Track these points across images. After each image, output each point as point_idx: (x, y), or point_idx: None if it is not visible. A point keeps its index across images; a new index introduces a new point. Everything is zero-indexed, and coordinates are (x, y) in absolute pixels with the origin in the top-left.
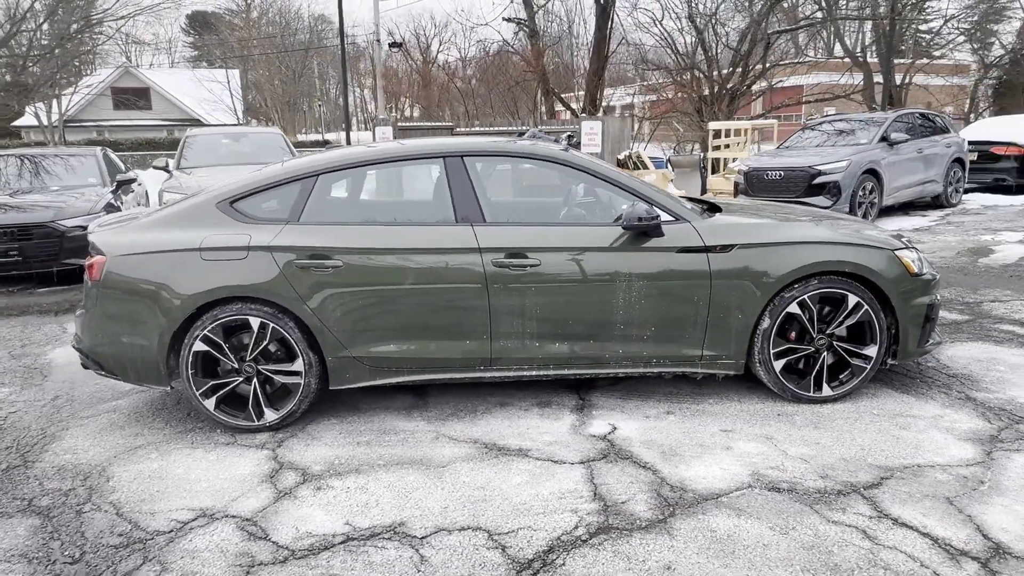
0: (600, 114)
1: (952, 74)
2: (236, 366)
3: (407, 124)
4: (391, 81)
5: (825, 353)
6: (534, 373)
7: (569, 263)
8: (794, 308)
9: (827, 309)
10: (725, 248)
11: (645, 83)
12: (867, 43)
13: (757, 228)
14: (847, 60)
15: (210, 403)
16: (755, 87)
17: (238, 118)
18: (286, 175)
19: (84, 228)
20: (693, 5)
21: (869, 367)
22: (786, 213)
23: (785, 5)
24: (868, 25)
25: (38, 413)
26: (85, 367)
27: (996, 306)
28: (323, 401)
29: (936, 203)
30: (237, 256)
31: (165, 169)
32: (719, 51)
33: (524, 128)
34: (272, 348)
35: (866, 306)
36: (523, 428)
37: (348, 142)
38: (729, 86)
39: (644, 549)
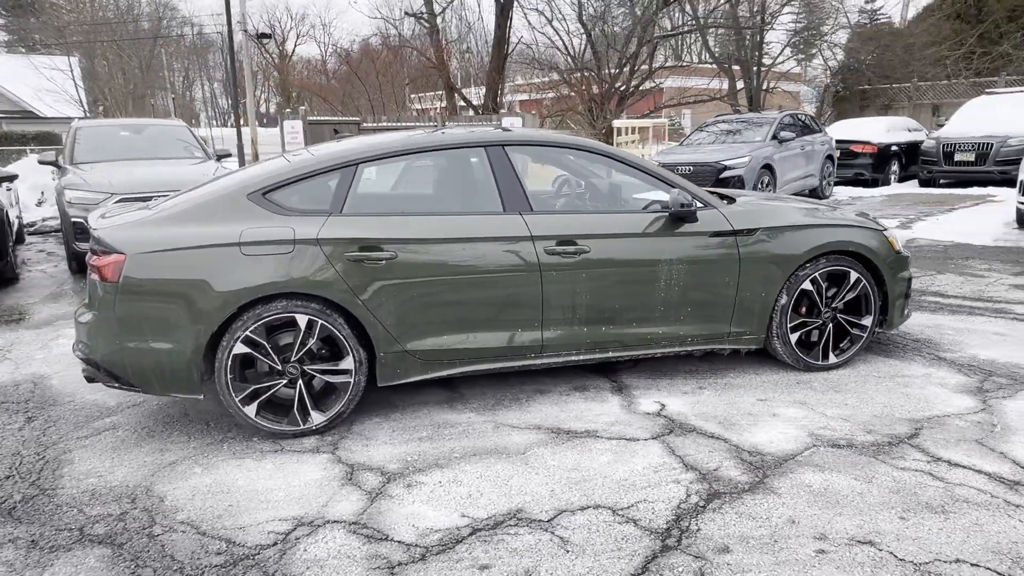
0: (505, 111)
1: (798, 81)
2: (280, 368)
3: (316, 119)
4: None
5: (830, 325)
6: (581, 358)
7: (615, 249)
8: (807, 285)
9: (830, 285)
10: (750, 232)
11: (543, 80)
12: (731, 50)
13: (775, 213)
14: (717, 66)
15: (250, 409)
16: (642, 88)
17: (85, 111)
18: (323, 164)
19: None
20: (583, 7)
21: (865, 336)
22: (782, 200)
23: (667, 14)
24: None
25: (19, 437)
26: (91, 380)
27: (912, 282)
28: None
29: (813, 195)
30: (283, 250)
31: (55, 164)
32: (608, 52)
33: (434, 124)
34: (316, 347)
35: (864, 281)
36: (576, 412)
37: (239, 140)
38: (619, 86)
39: (761, 508)
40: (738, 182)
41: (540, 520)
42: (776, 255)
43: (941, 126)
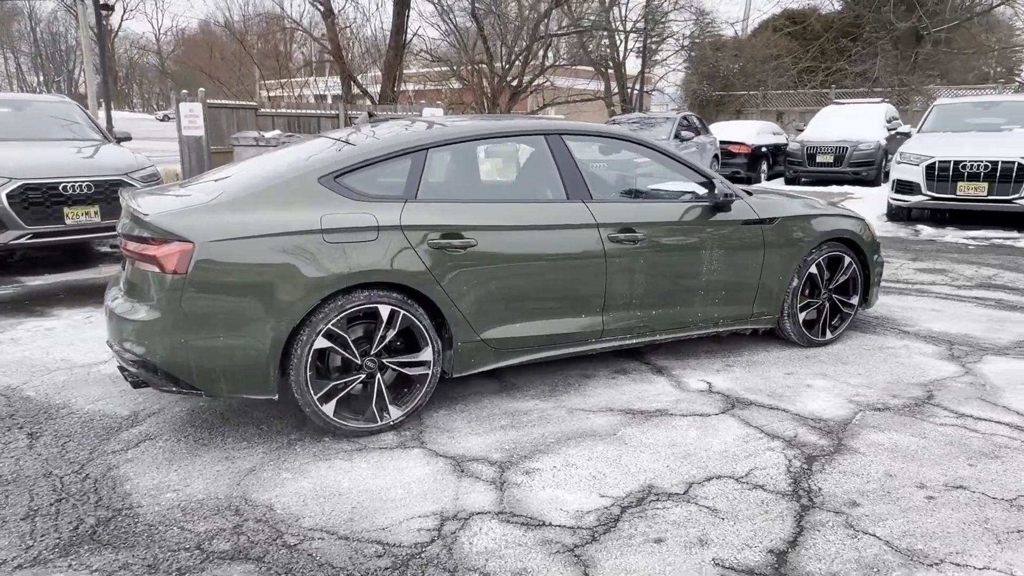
0: (424, 103)
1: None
2: (359, 362)
3: (216, 103)
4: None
5: (827, 305)
6: (633, 341)
7: (666, 236)
8: (813, 269)
9: (828, 269)
10: (772, 220)
11: (438, 70)
12: (606, 52)
13: (789, 204)
14: (594, 68)
15: (329, 408)
16: (533, 84)
17: None
18: (394, 148)
19: None
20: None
21: (853, 314)
22: (782, 194)
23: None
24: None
25: (36, 457)
26: (137, 385)
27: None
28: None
29: None
30: (367, 237)
31: None
32: (499, 47)
33: (355, 112)
34: (394, 338)
35: (854, 265)
36: (634, 393)
37: (109, 122)
38: (511, 80)
39: (857, 465)
40: None
41: (677, 493)
42: (792, 242)
43: (801, 131)
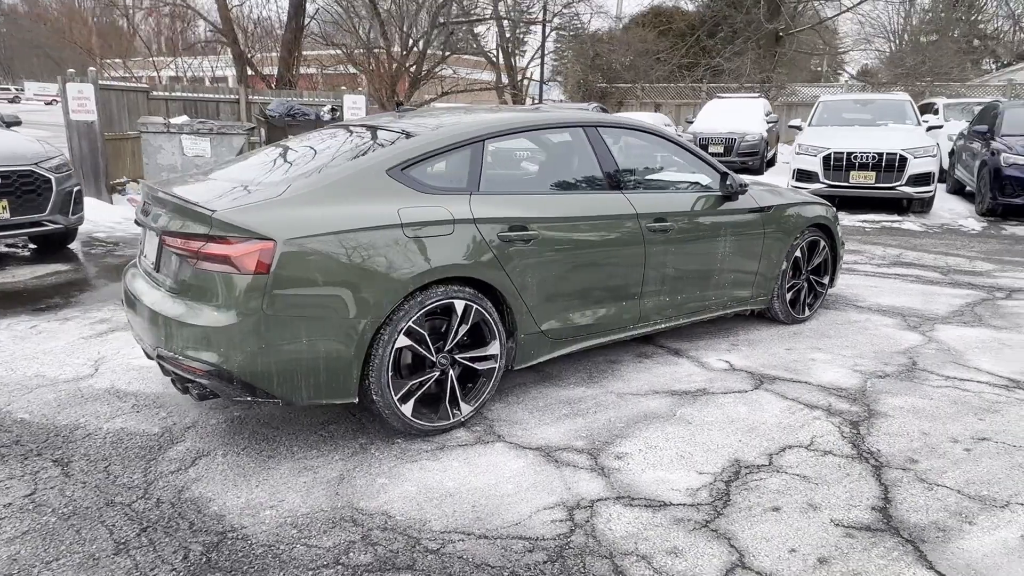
0: (347, 90)
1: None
2: (433, 359)
3: (108, 84)
4: None
5: (805, 285)
6: (662, 326)
7: (691, 225)
8: (798, 253)
9: (807, 252)
10: (769, 209)
11: (331, 52)
12: (499, 43)
13: (779, 193)
14: (485, 58)
15: (407, 408)
16: (434, 72)
17: None
18: (455, 139)
19: None
20: None
21: (824, 293)
22: (762, 185)
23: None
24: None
25: (84, 485)
26: (205, 397)
27: None
28: None
29: None
30: (444, 231)
31: None
32: (397, 32)
33: (257, 97)
34: (464, 333)
35: (827, 248)
36: (668, 376)
37: None
38: (409, 66)
39: (894, 427)
40: None
41: (763, 465)
42: (785, 228)
43: (691, 123)
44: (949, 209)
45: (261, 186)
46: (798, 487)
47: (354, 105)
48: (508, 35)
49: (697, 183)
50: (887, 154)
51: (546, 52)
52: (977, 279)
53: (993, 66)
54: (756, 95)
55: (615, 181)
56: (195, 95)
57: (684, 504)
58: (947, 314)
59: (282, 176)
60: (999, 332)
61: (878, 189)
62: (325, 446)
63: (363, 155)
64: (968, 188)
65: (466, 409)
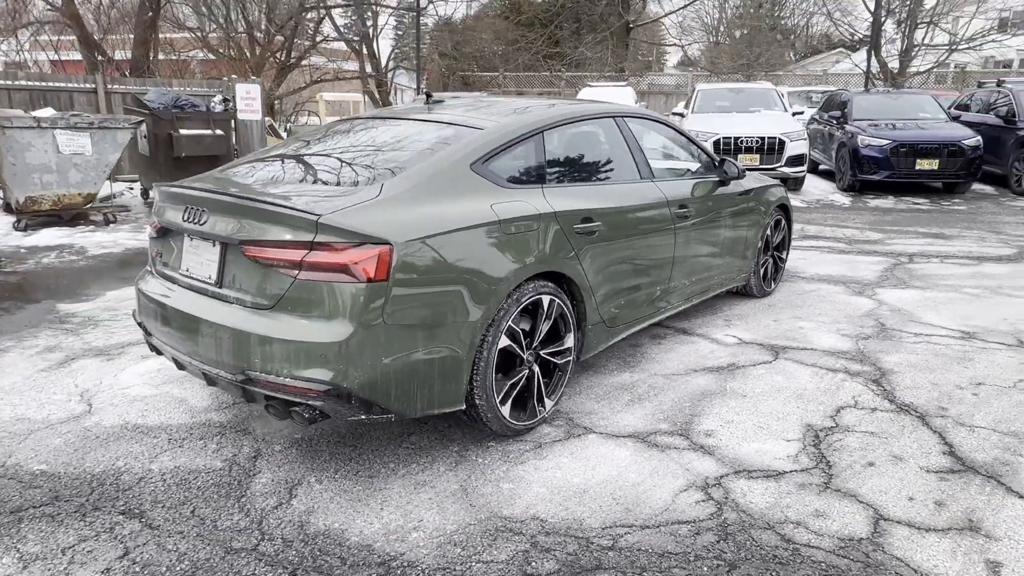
0: (222, 81)
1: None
2: (523, 356)
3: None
4: None
5: (771, 261)
6: (682, 307)
7: (703, 209)
8: (768, 231)
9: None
10: (750, 192)
11: (184, 36)
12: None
13: (756, 178)
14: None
15: (506, 409)
16: (304, 60)
17: None
18: (520, 130)
19: None
20: None
21: (784, 267)
22: None
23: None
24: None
25: (179, 535)
26: (315, 420)
27: None
28: None
29: None
30: (533, 226)
31: None
32: (263, 17)
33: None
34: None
35: (786, 226)
36: (694, 354)
37: None
38: (276, 52)
39: (908, 381)
40: None
41: (831, 427)
42: (762, 209)
43: None
44: (815, 186)
45: (342, 187)
46: (873, 443)
47: (248, 95)
48: (369, 22)
49: (699, 169)
50: (768, 138)
51: (406, 40)
52: (876, 247)
53: (793, 58)
54: (624, 83)
55: (645, 170)
56: (44, 84)
57: (796, 471)
58: (876, 279)
59: (362, 175)
60: (925, 292)
61: (762, 170)
62: (421, 458)
63: (439, 150)
64: (823, 167)
65: (548, 405)
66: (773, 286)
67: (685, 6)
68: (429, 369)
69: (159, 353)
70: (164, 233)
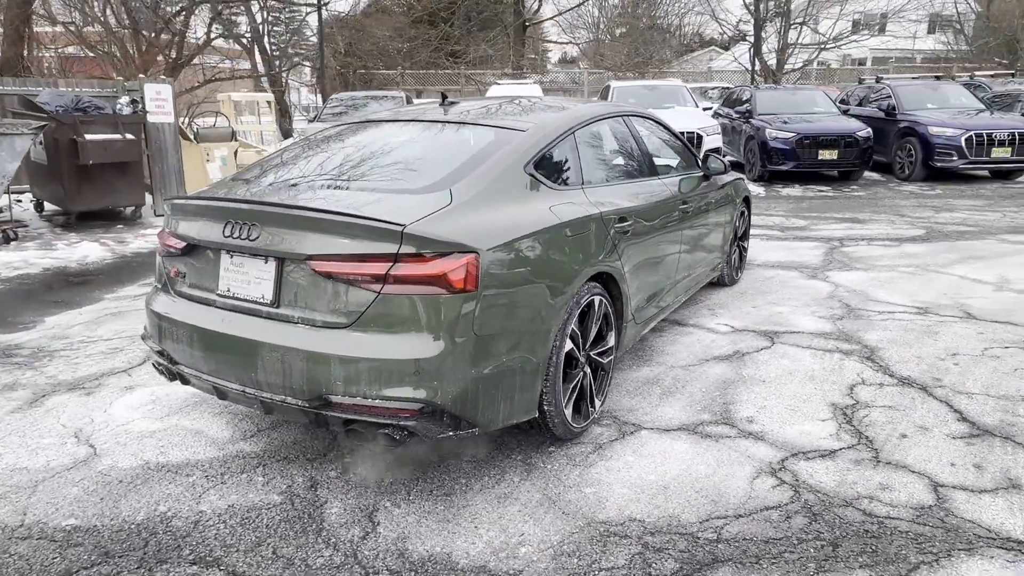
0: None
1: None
2: (580, 358)
3: None
4: None
5: (737, 250)
6: (683, 299)
7: (698, 204)
8: (737, 222)
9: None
10: (727, 185)
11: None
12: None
13: (728, 173)
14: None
15: (569, 412)
16: (196, 58)
17: None
18: (558, 130)
19: None
20: None
21: (746, 255)
22: None
23: None
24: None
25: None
26: (403, 441)
27: None
28: None
29: None
30: (586, 227)
31: None
32: (153, 14)
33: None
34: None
35: (748, 217)
36: (698, 345)
37: None
38: (166, 50)
39: (896, 356)
40: None
41: (852, 404)
42: (734, 201)
43: None
44: None
45: (408, 194)
46: (896, 416)
47: (159, 96)
48: (259, 18)
49: (686, 164)
50: (686, 133)
51: (284, 37)
52: (807, 233)
53: (671, 55)
54: (530, 81)
55: (653, 167)
56: None
57: (844, 448)
58: (821, 263)
59: (421, 180)
60: (869, 273)
61: None
62: (489, 470)
63: (491, 153)
64: (729, 159)
65: (597, 405)
66: (740, 274)
67: (579, 4)
68: (511, 379)
69: (185, 383)
70: (188, 250)
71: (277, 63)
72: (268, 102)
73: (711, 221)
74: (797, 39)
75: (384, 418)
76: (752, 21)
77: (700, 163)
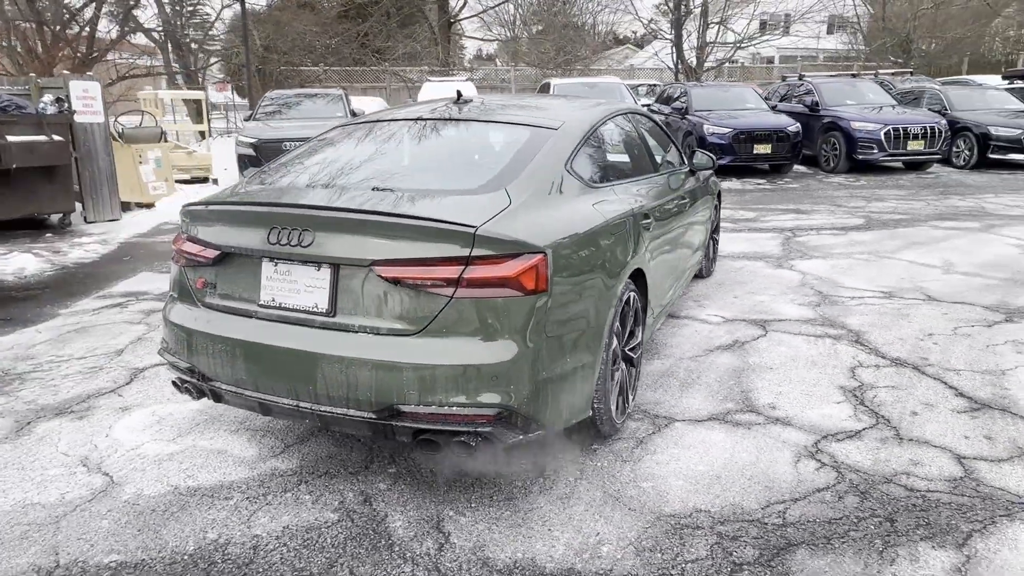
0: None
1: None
2: (620, 354)
3: None
4: None
5: (711, 242)
6: (680, 292)
7: (692, 199)
8: (713, 213)
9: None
10: (707, 179)
11: None
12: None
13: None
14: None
15: (615, 410)
16: (108, 54)
17: None
18: (583, 128)
19: None
20: None
21: (718, 247)
22: None
23: None
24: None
25: None
26: (475, 449)
27: None
28: None
29: None
30: (626, 225)
31: None
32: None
33: None
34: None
35: (719, 209)
36: (697, 336)
37: None
38: (74, 44)
39: (881, 339)
40: None
41: (858, 385)
42: (713, 195)
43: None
44: None
45: (466, 195)
46: (901, 395)
47: (86, 94)
48: (171, 11)
49: (677, 160)
50: None
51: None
52: (759, 224)
53: (587, 52)
54: (463, 77)
55: (656, 163)
56: None
57: (867, 428)
58: (783, 254)
59: (472, 180)
60: (828, 261)
61: None
62: (544, 472)
63: (532, 151)
64: None
65: (631, 400)
66: (714, 266)
67: (503, 2)
68: (574, 378)
69: (218, 400)
70: (221, 259)
71: (192, 59)
72: (197, 100)
73: (699, 215)
74: (716, 38)
75: (460, 425)
76: (667, 21)
77: (689, 158)
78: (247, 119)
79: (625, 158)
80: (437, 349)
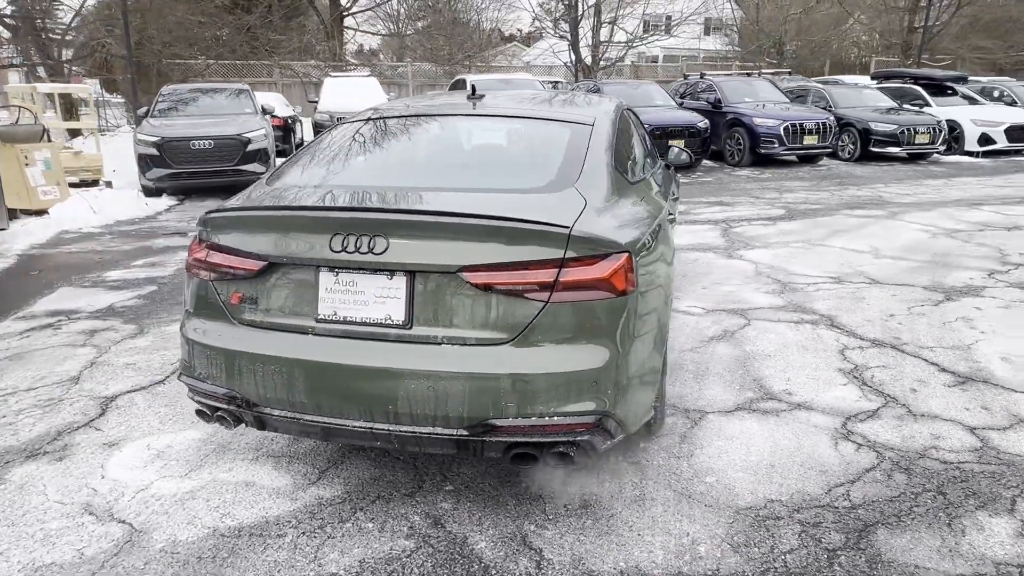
0: None
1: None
2: None
3: None
4: None
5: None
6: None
7: (675, 193)
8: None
9: None
10: (674, 175)
11: None
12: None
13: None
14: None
15: (662, 406)
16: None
17: None
18: (610, 124)
19: None
20: None
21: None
22: None
23: None
24: None
25: None
26: (572, 455)
27: None
28: None
29: None
30: (666, 221)
31: None
32: None
33: None
34: None
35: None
36: (687, 330)
37: None
38: None
39: (854, 321)
40: (263, 156)
41: (854, 367)
42: (677, 188)
43: (314, 102)
44: None
45: (535, 193)
46: (894, 374)
47: None
48: None
49: (660, 156)
50: None
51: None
52: (695, 217)
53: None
54: (367, 74)
55: (656, 157)
56: None
57: (880, 407)
58: (727, 245)
59: (537, 179)
60: (770, 250)
61: None
62: (598, 476)
63: (580, 149)
64: None
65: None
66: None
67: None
68: (647, 378)
69: (262, 427)
70: (265, 270)
71: (57, 50)
72: (84, 96)
73: (675, 209)
74: (610, 37)
75: (559, 435)
76: (550, 20)
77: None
78: (143, 116)
79: (640, 153)
80: (534, 357)
